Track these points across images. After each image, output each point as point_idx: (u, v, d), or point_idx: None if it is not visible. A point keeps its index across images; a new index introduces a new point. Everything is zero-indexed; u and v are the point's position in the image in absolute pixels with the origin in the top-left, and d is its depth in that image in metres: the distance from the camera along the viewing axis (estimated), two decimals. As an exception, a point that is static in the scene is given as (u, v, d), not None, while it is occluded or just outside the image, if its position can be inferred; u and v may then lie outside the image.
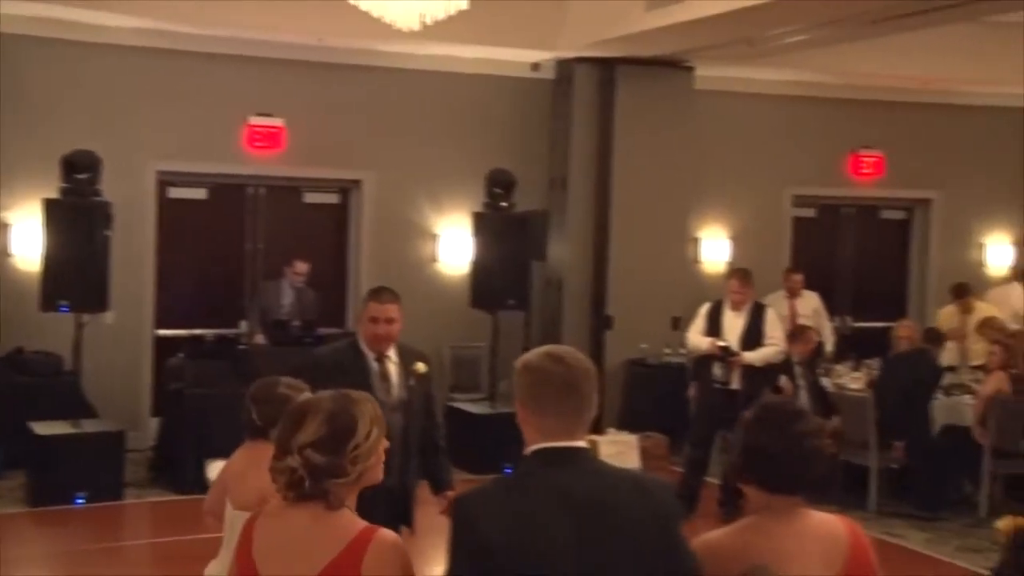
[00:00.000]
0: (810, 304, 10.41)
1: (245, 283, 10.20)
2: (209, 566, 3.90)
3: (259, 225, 10.25)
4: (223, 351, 9.05)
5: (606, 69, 10.24)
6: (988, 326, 9.15)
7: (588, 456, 2.46)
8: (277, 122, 9.82)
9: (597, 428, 8.34)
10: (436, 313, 9.73)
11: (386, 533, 2.48)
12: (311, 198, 10.51)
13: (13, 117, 8.84)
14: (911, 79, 10.98)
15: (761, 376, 7.59)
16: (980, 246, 12.49)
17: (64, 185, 8.04)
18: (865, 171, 12.00)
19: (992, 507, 7.65)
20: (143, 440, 9.05)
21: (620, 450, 8.77)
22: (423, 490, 4.66)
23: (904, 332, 8.49)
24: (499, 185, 9.50)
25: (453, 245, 10.36)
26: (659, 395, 9.80)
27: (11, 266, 9.05)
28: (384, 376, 4.55)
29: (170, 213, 9.80)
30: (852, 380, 8.90)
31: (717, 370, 7.70)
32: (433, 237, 10.45)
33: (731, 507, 6.96)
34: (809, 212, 12.09)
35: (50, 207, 8.00)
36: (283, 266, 9.67)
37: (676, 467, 8.45)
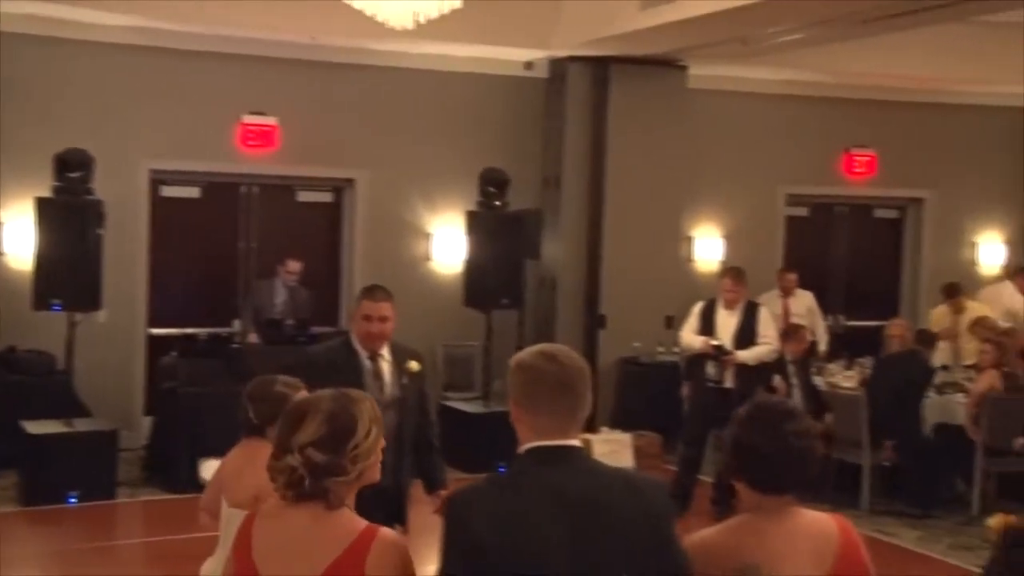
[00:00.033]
0: (804, 303, 10.44)
1: (238, 282, 10.19)
2: (205, 564, 3.90)
3: (252, 224, 10.24)
4: (216, 350, 9.05)
5: (599, 68, 10.24)
6: (980, 325, 9.17)
7: (581, 455, 2.46)
8: (270, 121, 9.81)
9: (590, 427, 8.32)
10: (430, 312, 9.73)
11: (388, 532, 2.48)
12: (304, 197, 10.50)
13: (5, 115, 8.81)
14: (904, 78, 11.00)
15: (754, 375, 7.61)
16: (972, 245, 12.53)
17: (56, 184, 8.03)
18: (858, 170, 12.03)
19: (984, 505, 7.68)
20: (136, 439, 9.03)
21: (613, 449, 8.77)
22: (416, 489, 4.66)
23: (896, 331, 8.51)
24: (493, 184, 9.51)
25: (446, 244, 10.36)
26: (652, 394, 9.81)
27: (3, 265, 9.03)
28: (377, 374, 4.55)
29: (163, 212, 9.78)
30: (845, 379, 8.92)
31: (710, 369, 7.71)
32: (426, 236, 10.45)
33: (724, 506, 6.97)
34: (802, 211, 12.11)
35: (42, 206, 7.98)
36: (276, 265, 9.66)
37: (669, 466, 8.46)
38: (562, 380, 2.43)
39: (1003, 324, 9.52)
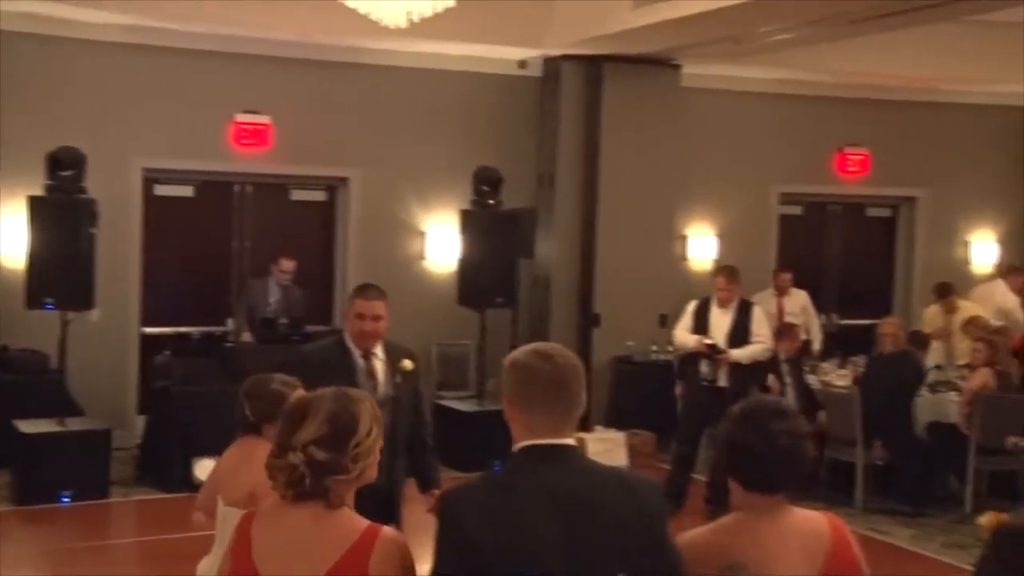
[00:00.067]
0: (798, 302, 10.47)
1: (232, 281, 10.18)
2: (201, 563, 3.90)
3: (246, 222, 10.22)
4: (210, 349, 9.04)
5: (593, 67, 10.24)
6: (973, 325, 9.19)
7: (576, 454, 2.46)
8: (264, 119, 9.80)
9: (584, 425, 8.35)
10: (423, 311, 9.73)
11: (390, 531, 2.48)
12: (298, 195, 10.49)
13: (-2, 114, 8.80)
14: (897, 78, 11.02)
15: (748, 373, 7.62)
16: (965, 244, 12.56)
17: (49, 182, 8.01)
18: (851, 169, 12.05)
19: (977, 503, 7.70)
20: (129, 438, 9.01)
21: (607, 447, 8.78)
22: (410, 488, 4.66)
23: (888, 329, 8.51)
24: (486, 183, 9.50)
25: (440, 242, 10.35)
26: (646, 392, 9.82)
27: (-4, 264, 9.01)
28: (371, 373, 4.55)
29: (156, 210, 9.76)
30: (838, 377, 8.94)
31: (704, 367, 7.71)
32: (420, 234, 10.45)
33: (718, 504, 6.95)
34: (796, 210, 12.13)
35: (35, 204, 7.97)
36: (270, 264, 9.64)
37: (663, 464, 8.47)
38: (557, 379, 2.43)
39: (995, 323, 9.55)
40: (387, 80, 10.17)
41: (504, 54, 10.19)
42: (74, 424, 8.04)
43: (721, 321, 7.73)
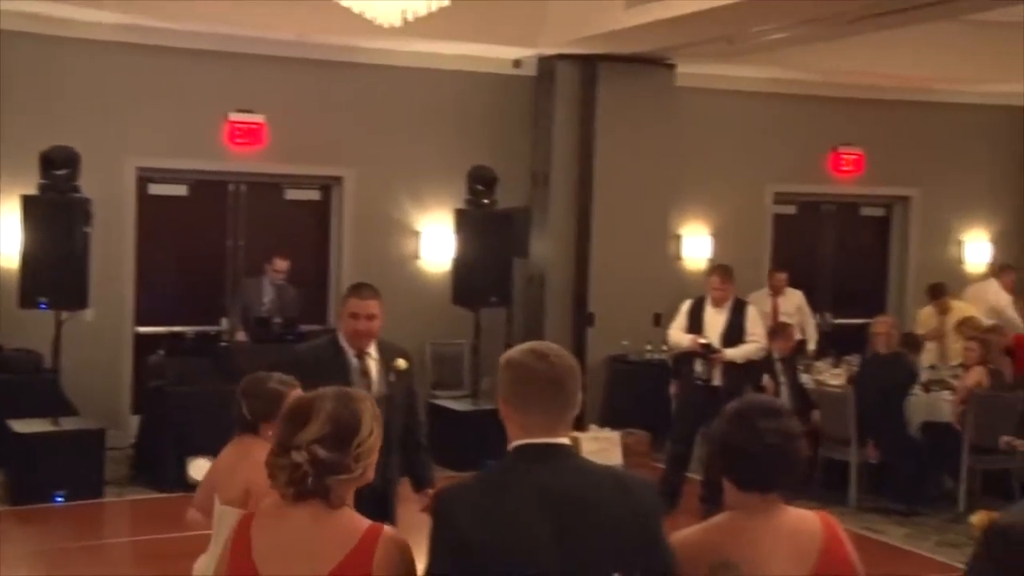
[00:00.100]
0: (793, 302, 10.48)
1: (226, 280, 10.16)
2: (198, 562, 3.89)
3: (240, 222, 10.21)
4: (204, 348, 9.03)
5: (587, 66, 10.25)
6: (966, 326, 9.21)
7: (570, 453, 2.46)
8: (258, 118, 9.79)
9: (579, 425, 8.35)
10: (418, 310, 9.73)
11: (392, 530, 2.48)
12: (292, 195, 10.48)
13: (-9, 113, 8.78)
14: (891, 77, 11.04)
15: (742, 372, 7.63)
16: (959, 243, 12.58)
17: (43, 181, 7.99)
18: (845, 168, 12.06)
19: (971, 502, 7.71)
20: (123, 438, 9.00)
21: (602, 447, 8.80)
22: (404, 487, 4.66)
23: (881, 328, 8.50)
24: (481, 182, 9.50)
25: (435, 242, 10.35)
26: (641, 392, 9.82)
27: (-11, 263, 8.99)
28: (364, 372, 4.55)
29: (150, 210, 9.75)
30: (832, 376, 8.95)
31: (699, 367, 7.71)
32: (415, 234, 10.44)
33: (713, 503, 6.95)
34: (790, 209, 12.15)
35: (28, 203, 7.95)
36: (264, 263, 9.63)
37: (658, 463, 8.47)
38: (552, 378, 2.43)
39: (987, 322, 9.57)
40: (382, 79, 10.16)
41: (499, 53, 10.19)
42: (68, 424, 8.02)
43: (715, 320, 7.73)
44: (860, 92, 11.54)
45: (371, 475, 2.54)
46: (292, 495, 2.45)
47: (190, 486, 7.25)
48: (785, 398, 8.02)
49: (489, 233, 9.41)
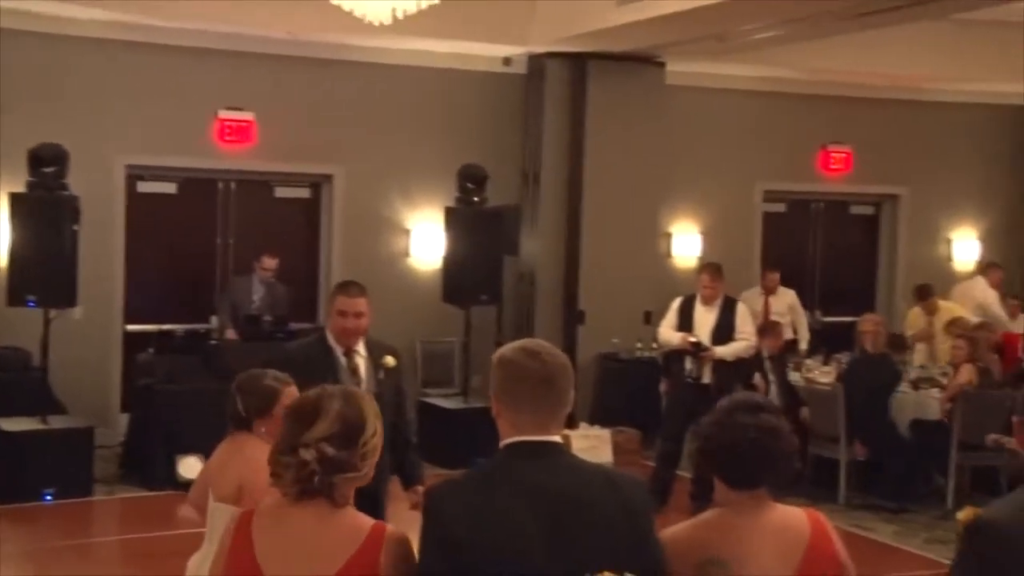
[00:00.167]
0: (785, 301, 10.51)
1: (215, 278, 10.14)
2: (192, 560, 3.88)
3: (229, 220, 10.19)
4: (193, 346, 9.01)
5: (577, 64, 10.25)
6: (955, 326, 9.23)
7: (562, 451, 2.46)
8: (247, 116, 9.77)
9: (569, 423, 8.35)
10: (408, 308, 9.72)
11: (395, 529, 2.47)
12: (282, 192, 10.45)
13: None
14: (880, 76, 11.07)
15: (732, 370, 7.64)
16: (947, 241, 12.62)
17: (31, 179, 7.96)
18: (834, 167, 12.09)
19: (959, 499, 7.73)
20: (112, 436, 8.98)
21: (592, 444, 8.81)
22: (394, 485, 4.65)
23: (868, 327, 8.51)
24: (471, 180, 9.50)
25: (425, 240, 10.34)
26: (631, 390, 9.83)
27: (-23, 261, 8.95)
28: (353, 370, 4.54)
29: (139, 207, 9.72)
30: (822, 374, 8.97)
31: (689, 364, 7.73)
32: (405, 232, 10.43)
33: (703, 501, 6.97)
34: (779, 207, 12.17)
35: (16, 201, 7.93)
36: (253, 261, 9.61)
37: (648, 461, 8.49)
38: (544, 376, 2.44)
39: (975, 319, 9.61)
40: (372, 77, 10.15)
41: (489, 51, 10.19)
42: (57, 422, 8.00)
43: (705, 318, 7.75)
44: (849, 91, 11.57)
45: (371, 475, 2.54)
46: (296, 494, 2.43)
47: (180, 484, 7.25)
48: (775, 396, 8.04)
49: (479, 231, 9.41)
